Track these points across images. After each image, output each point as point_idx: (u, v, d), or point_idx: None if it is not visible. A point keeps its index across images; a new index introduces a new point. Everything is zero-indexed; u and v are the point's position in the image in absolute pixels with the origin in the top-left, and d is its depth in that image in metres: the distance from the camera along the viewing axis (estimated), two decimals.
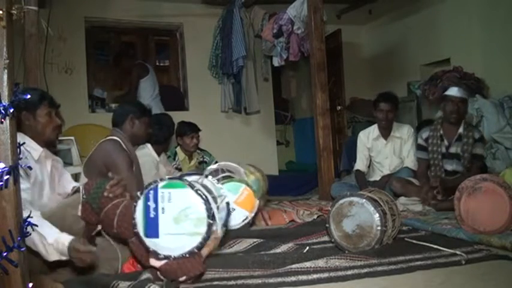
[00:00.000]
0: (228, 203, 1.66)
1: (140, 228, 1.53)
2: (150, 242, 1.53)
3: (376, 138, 3.65)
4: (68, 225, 1.78)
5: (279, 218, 2.89)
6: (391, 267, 1.77)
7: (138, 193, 1.56)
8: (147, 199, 1.53)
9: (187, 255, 1.52)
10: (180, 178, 1.55)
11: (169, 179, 1.54)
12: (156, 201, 1.52)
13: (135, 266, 1.86)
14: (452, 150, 3.21)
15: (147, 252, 1.58)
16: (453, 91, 3.24)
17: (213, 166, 2.65)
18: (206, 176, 1.77)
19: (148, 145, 3.30)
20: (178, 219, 1.50)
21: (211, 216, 1.49)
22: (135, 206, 1.55)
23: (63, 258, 1.59)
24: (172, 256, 1.52)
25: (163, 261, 1.54)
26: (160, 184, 1.52)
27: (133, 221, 1.54)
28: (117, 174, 2.44)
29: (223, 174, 2.54)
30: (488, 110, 3.96)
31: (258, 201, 2.50)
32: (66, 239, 1.59)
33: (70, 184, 2.14)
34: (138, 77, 4.69)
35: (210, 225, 1.49)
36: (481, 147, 3.15)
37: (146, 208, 1.53)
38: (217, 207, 1.56)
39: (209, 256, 1.66)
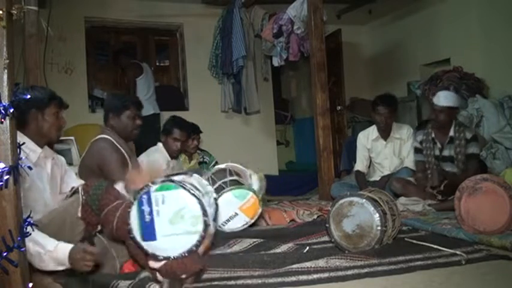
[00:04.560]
0: (215, 199, 1.66)
1: (137, 233, 1.54)
2: (148, 246, 1.54)
3: (376, 139, 3.64)
4: (69, 228, 1.77)
5: (279, 218, 2.89)
6: (391, 267, 1.77)
7: (131, 198, 1.56)
8: (140, 204, 1.53)
9: (186, 254, 1.52)
10: (171, 180, 1.55)
11: (161, 181, 1.54)
12: (150, 204, 1.52)
13: (135, 266, 1.86)
14: (446, 153, 3.18)
15: (145, 255, 1.58)
16: (436, 97, 3.16)
17: (221, 166, 2.66)
18: (191, 175, 1.77)
19: (160, 144, 3.32)
20: (174, 221, 1.51)
21: (206, 214, 1.50)
22: (129, 212, 1.55)
23: (60, 268, 1.58)
24: (172, 256, 1.53)
25: (162, 262, 1.55)
26: (153, 188, 1.52)
27: (128, 226, 1.55)
28: (109, 174, 2.41)
29: (231, 178, 2.56)
30: (488, 110, 3.96)
31: (261, 209, 2.53)
32: (66, 246, 1.58)
33: (73, 182, 2.13)
34: (134, 76, 4.68)
35: (206, 223, 1.50)
36: (475, 146, 3.10)
37: (141, 212, 1.53)
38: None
39: (209, 255, 1.66)
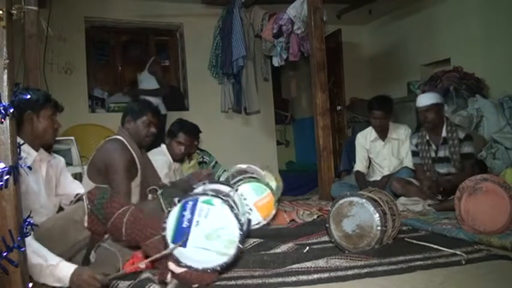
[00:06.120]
0: (249, 220, 1.66)
1: (169, 234, 1.54)
2: (175, 249, 1.55)
3: (374, 140, 3.64)
4: (72, 233, 1.77)
5: (279, 218, 2.89)
6: (391, 267, 1.77)
7: (176, 200, 1.56)
8: (183, 208, 1.54)
9: (208, 271, 1.55)
10: (220, 197, 1.55)
11: (212, 196, 1.55)
12: (192, 213, 1.53)
13: (135, 266, 1.86)
14: (441, 154, 3.19)
15: (166, 256, 1.58)
16: (418, 101, 3.23)
17: (243, 166, 2.64)
18: (237, 189, 1.77)
19: (164, 146, 3.30)
20: (210, 237, 1.52)
21: (242, 241, 1.52)
22: (169, 211, 1.55)
23: (57, 285, 1.55)
24: (194, 267, 1.54)
25: (182, 269, 1.56)
26: (202, 198, 1.53)
27: (163, 224, 1.55)
28: (113, 175, 2.38)
29: (250, 175, 2.53)
30: (488, 110, 3.96)
31: (274, 211, 2.50)
32: (69, 266, 1.57)
33: (72, 184, 2.12)
34: (162, 73, 4.77)
35: (238, 249, 1.52)
36: (469, 145, 3.10)
37: (180, 216, 1.54)
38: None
39: None
